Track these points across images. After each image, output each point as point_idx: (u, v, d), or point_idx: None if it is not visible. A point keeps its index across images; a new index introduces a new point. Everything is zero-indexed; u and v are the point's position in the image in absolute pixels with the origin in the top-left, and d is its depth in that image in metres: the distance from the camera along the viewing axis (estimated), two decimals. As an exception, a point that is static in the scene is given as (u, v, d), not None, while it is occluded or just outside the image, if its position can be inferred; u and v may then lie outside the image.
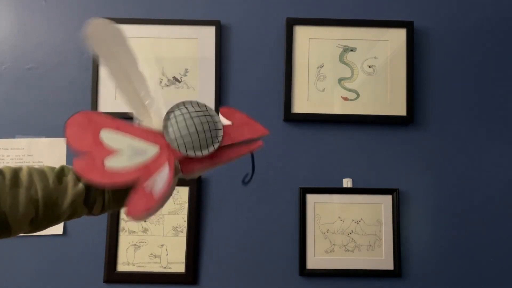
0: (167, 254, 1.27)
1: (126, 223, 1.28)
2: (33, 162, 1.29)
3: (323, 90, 1.32)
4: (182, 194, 1.29)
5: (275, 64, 1.33)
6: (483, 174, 1.32)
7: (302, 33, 1.32)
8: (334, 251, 1.28)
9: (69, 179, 0.59)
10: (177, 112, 0.57)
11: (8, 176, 0.57)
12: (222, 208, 1.30)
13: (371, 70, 1.33)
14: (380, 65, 1.33)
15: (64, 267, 1.27)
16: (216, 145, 0.59)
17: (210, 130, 0.58)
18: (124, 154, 0.55)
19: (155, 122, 0.59)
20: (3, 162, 1.29)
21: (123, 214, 1.28)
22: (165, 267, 1.27)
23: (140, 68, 0.61)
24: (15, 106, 1.32)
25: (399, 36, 1.33)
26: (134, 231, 1.28)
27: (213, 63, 1.31)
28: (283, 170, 1.31)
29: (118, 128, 0.55)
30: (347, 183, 1.31)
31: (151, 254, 1.27)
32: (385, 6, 1.35)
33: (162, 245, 1.28)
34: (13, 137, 1.31)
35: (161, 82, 1.31)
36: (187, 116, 0.57)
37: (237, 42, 1.34)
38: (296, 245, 1.28)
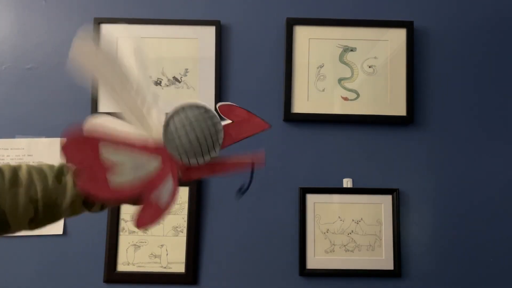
0: (167, 254, 1.27)
1: (126, 223, 1.28)
2: (33, 162, 1.29)
3: (323, 90, 1.32)
4: (182, 194, 1.29)
5: (275, 64, 1.33)
6: (483, 174, 1.32)
7: (302, 33, 1.32)
8: (334, 251, 1.28)
9: (68, 178, 0.59)
10: (176, 119, 0.55)
11: (7, 175, 0.56)
12: (222, 208, 1.30)
13: (371, 70, 1.33)
14: (380, 65, 1.33)
15: (64, 267, 1.27)
16: (218, 149, 0.58)
17: (211, 134, 0.56)
18: (126, 168, 0.53)
19: (154, 131, 0.58)
20: (3, 162, 1.28)
21: (123, 214, 1.28)
22: (165, 267, 1.27)
23: (135, 80, 0.58)
24: (15, 106, 1.32)
25: (399, 36, 1.33)
26: (134, 231, 1.28)
27: (213, 63, 1.31)
28: (283, 170, 1.31)
29: (117, 143, 0.53)
30: (347, 183, 1.31)
31: (151, 254, 1.27)
32: (385, 6, 1.35)
33: (162, 245, 1.28)
34: (13, 137, 1.31)
35: (161, 82, 1.31)
36: (186, 122, 0.55)
37: (237, 42, 1.34)
38: (296, 245, 1.28)
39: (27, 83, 1.33)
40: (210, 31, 1.32)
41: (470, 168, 1.32)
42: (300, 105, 1.31)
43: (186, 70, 1.32)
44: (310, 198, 1.29)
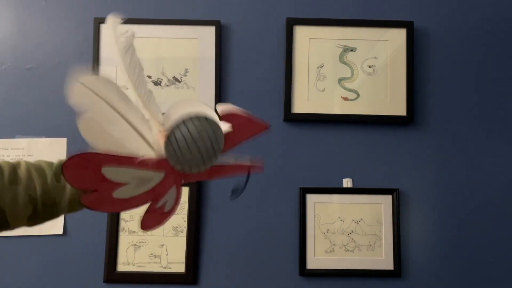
0: (167, 254, 1.27)
1: (126, 223, 1.28)
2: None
3: (323, 90, 1.32)
4: (182, 194, 1.28)
5: (275, 64, 1.33)
6: (483, 174, 1.32)
7: (302, 33, 1.32)
8: (334, 251, 1.28)
9: None
10: (177, 134, 0.54)
11: (6, 172, 0.57)
12: (222, 208, 1.30)
13: (371, 70, 1.33)
14: (380, 65, 1.33)
15: (64, 267, 1.27)
16: (218, 156, 0.58)
17: (212, 144, 0.56)
18: (130, 185, 0.54)
19: (156, 146, 0.57)
20: (3, 162, 1.29)
21: (123, 214, 1.28)
22: (165, 267, 1.27)
23: (134, 103, 0.57)
24: (15, 106, 1.32)
25: (399, 36, 1.33)
26: (134, 231, 1.28)
27: (213, 63, 1.31)
28: (283, 170, 1.31)
29: (119, 163, 0.53)
30: (347, 183, 1.31)
31: (151, 254, 1.27)
32: (385, 6, 1.35)
33: (162, 245, 1.28)
34: (13, 137, 1.31)
35: (161, 82, 1.31)
36: (188, 136, 0.54)
37: (237, 42, 1.34)
38: (296, 245, 1.28)
39: (27, 83, 1.33)
40: (210, 31, 1.32)
41: (470, 168, 1.32)
42: (300, 105, 1.31)
43: (186, 70, 1.32)
44: (310, 198, 1.29)
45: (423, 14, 1.35)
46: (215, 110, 0.61)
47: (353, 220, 1.29)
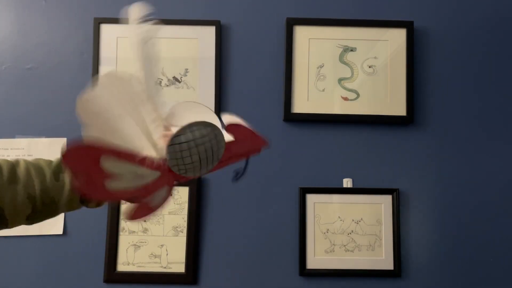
0: (167, 254, 1.27)
1: (126, 223, 1.28)
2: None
3: (323, 90, 1.32)
4: (182, 194, 1.29)
5: (275, 64, 1.33)
6: (483, 174, 1.32)
7: (302, 33, 1.32)
8: (334, 251, 1.28)
9: (66, 176, 0.59)
10: (183, 139, 0.54)
11: (5, 171, 0.57)
12: (222, 208, 1.30)
13: (371, 70, 1.33)
14: (380, 65, 1.33)
15: (64, 267, 1.27)
16: (216, 163, 0.59)
17: (213, 153, 0.57)
18: (124, 178, 0.54)
19: (158, 147, 0.58)
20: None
21: (123, 214, 1.28)
22: (165, 267, 1.27)
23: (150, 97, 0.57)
24: (15, 106, 1.32)
25: (399, 36, 1.33)
26: (134, 231, 1.28)
27: (213, 63, 1.31)
28: (283, 170, 1.31)
29: (119, 156, 0.53)
30: (347, 183, 1.31)
31: (151, 254, 1.27)
32: (385, 6, 1.35)
33: (162, 245, 1.28)
34: (13, 137, 1.31)
35: (161, 82, 1.31)
36: (192, 144, 0.54)
37: (237, 42, 1.34)
38: (296, 245, 1.28)
39: (27, 83, 1.33)
40: (210, 31, 1.32)
41: (470, 168, 1.32)
42: (300, 105, 1.31)
43: (186, 70, 1.32)
44: (310, 198, 1.29)
45: (423, 14, 1.35)
46: (220, 119, 0.61)
47: (353, 220, 1.29)
